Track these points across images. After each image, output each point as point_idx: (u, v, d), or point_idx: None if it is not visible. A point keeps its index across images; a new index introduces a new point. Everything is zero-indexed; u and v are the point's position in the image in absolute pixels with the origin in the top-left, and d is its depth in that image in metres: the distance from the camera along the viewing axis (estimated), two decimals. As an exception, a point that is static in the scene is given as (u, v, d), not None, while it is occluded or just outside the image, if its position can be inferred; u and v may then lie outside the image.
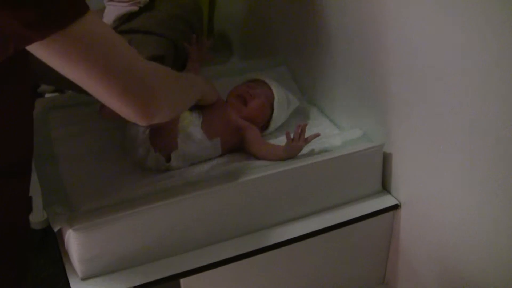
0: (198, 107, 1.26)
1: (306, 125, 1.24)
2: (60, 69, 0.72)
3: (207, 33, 2.15)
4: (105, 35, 0.73)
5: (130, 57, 0.78)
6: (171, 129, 1.19)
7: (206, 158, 1.25)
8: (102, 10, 1.80)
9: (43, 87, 1.74)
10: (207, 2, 2.10)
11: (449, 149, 1.09)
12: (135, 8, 1.74)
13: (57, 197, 1.10)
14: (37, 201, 1.78)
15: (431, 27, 1.05)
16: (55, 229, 1.03)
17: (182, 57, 1.82)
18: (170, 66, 1.70)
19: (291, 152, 1.22)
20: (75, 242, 1.03)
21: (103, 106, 1.14)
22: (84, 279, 1.07)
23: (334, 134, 1.35)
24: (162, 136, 1.18)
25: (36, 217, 1.81)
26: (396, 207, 1.27)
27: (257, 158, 1.25)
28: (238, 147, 1.30)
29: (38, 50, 0.68)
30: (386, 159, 1.28)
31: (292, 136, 1.22)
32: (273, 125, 1.37)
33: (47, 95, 1.73)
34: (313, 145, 1.26)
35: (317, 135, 1.25)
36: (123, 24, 1.74)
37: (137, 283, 1.06)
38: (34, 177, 1.16)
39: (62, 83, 1.31)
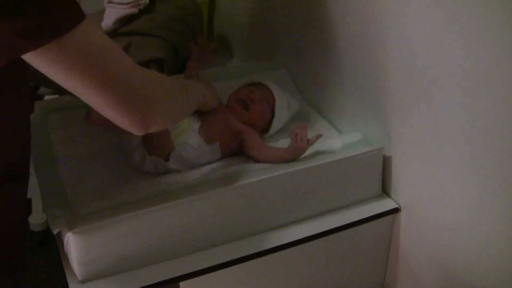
0: (197, 112, 1.25)
1: (306, 126, 1.24)
2: (54, 78, 0.71)
3: (207, 35, 2.15)
4: (101, 44, 0.72)
5: (127, 66, 0.77)
6: (163, 133, 1.17)
7: (205, 162, 1.25)
8: (102, 12, 1.80)
9: (43, 89, 1.74)
10: (207, 4, 2.09)
11: (449, 152, 1.09)
12: (135, 10, 1.74)
13: (56, 200, 1.09)
14: (37, 203, 1.78)
15: (431, 29, 1.05)
16: (55, 232, 1.03)
17: (182, 59, 1.82)
18: (170, 68, 1.70)
19: (294, 154, 1.22)
20: (74, 245, 1.02)
21: (89, 113, 1.14)
22: (83, 281, 1.06)
23: (334, 137, 1.35)
24: (155, 141, 1.17)
25: (36, 219, 1.81)
26: (396, 210, 1.27)
27: (257, 161, 1.25)
28: (238, 151, 1.29)
29: (33, 59, 0.67)
30: (386, 162, 1.28)
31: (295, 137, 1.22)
32: (273, 128, 1.37)
33: (46, 97, 1.72)
34: (313, 148, 1.26)
35: (320, 135, 1.25)
36: (123, 26, 1.75)
37: (137, 286, 1.06)
38: (33, 179, 1.16)
39: (61, 86, 1.31)
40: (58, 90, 1.74)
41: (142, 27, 1.73)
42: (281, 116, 1.37)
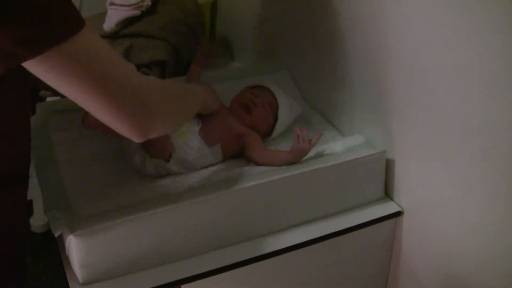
0: (197, 114, 1.25)
1: (307, 128, 1.24)
2: (54, 85, 0.71)
3: (209, 37, 2.15)
4: (100, 51, 0.72)
5: (126, 73, 0.76)
6: (162, 136, 1.17)
7: (207, 164, 1.24)
8: (103, 14, 1.80)
9: (44, 91, 1.74)
10: (209, 7, 2.09)
11: (453, 155, 1.08)
12: (137, 12, 1.74)
13: (57, 202, 1.09)
14: (38, 205, 1.77)
15: (434, 31, 1.04)
16: (56, 234, 1.03)
17: (184, 61, 1.81)
18: (172, 70, 1.70)
19: (297, 155, 1.22)
20: (75, 248, 1.02)
21: (85, 117, 1.14)
22: (85, 284, 1.06)
23: (336, 140, 1.35)
24: (154, 144, 1.17)
25: (37, 221, 1.81)
26: (398, 214, 1.27)
27: (259, 165, 1.24)
28: (239, 154, 1.29)
29: (32, 66, 0.67)
30: (388, 166, 1.28)
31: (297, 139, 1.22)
32: (276, 132, 1.37)
33: (48, 99, 1.72)
34: (316, 151, 1.25)
35: (321, 134, 1.25)
36: (125, 28, 1.75)
37: (138, 289, 1.06)
38: (34, 181, 1.16)
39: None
40: (59, 92, 1.74)
41: (144, 29, 1.73)
42: (284, 120, 1.37)
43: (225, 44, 2.08)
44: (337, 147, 1.29)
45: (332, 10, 1.35)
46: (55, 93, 1.76)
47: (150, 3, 1.74)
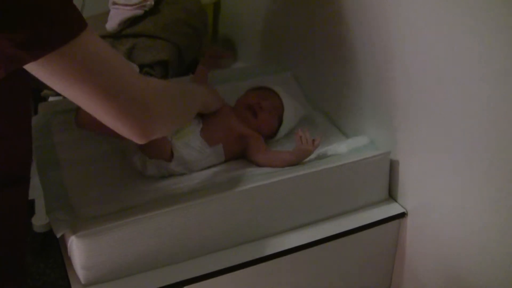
0: (199, 113, 1.24)
1: (307, 129, 1.23)
2: (56, 88, 0.70)
3: (212, 37, 2.15)
4: (101, 53, 0.72)
5: (128, 75, 0.76)
6: (160, 138, 1.16)
7: (209, 165, 1.24)
8: (106, 13, 1.80)
9: (46, 91, 1.73)
10: (212, 6, 2.09)
11: (457, 157, 1.08)
12: (140, 12, 1.74)
13: (59, 203, 1.09)
14: (40, 204, 1.77)
15: (439, 33, 1.04)
16: (58, 235, 1.02)
17: (187, 61, 1.81)
18: (175, 70, 1.70)
19: (300, 156, 1.22)
20: (78, 249, 1.02)
21: (77, 117, 1.13)
22: (87, 285, 1.06)
23: (340, 141, 1.34)
24: (152, 145, 1.16)
25: (39, 220, 1.80)
26: (402, 215, 1.26)
27: (260, 166, 1.24)
28: (242, 154, 1.29)
29: (34, 69, 0.67)
30: (392, 167, 1.27)
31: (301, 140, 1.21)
32: (279, 135, 1.37)
33: (50, 99, 1.72)
34: (319, 152, 1.25)
35: (321, 135, 1.24)
36: (128, 28, 1.74)
37: (141, 291, 1.06)
38: (36, 181, 1.15)
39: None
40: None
41: (147, 29, 1.73)
42: (288, 123, 1.36)
43: (228, 44, 2.07)
44: (341, 148, 1.29)
45: (337, 12, 1.34)
46: (57, 92, 1.76)
47: (153, 3, 1.73)
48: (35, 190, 1.14)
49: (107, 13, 1.80)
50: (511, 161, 0.96)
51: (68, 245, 1.04)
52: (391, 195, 1.31)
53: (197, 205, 1.08)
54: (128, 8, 1.74)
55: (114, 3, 1.77)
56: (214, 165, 1.25)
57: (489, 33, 0.93)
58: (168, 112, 0.88)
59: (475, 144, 1.02)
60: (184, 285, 1.09)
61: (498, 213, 1.01)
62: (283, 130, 1.36)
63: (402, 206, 1.28)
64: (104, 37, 1.73)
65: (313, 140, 1.22)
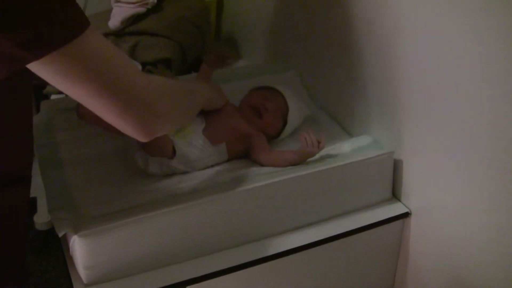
0: (201, 112, 1.24)
1: (312, 131, 1.23)
2: (59, 87, 0.70)
3: (215, 36, 2.14)
4: (104, 52, 0.71)
5: (130, 74, 0.76)
6: (160, 137, 1.15)
7: (212, 163, 1.23)
8: (109, 11, 1.79)
9: (49, 88, 1.73)
10: (215, 4, 2.09)
11: (462, 157, 1.07)
12: (142, 9, 1.73)
13: (62, 202, 1.09)
14: (42, 202, 1.77)
15: (445, 34, 1.03)
16: (60, 234, 1.02)
17: (189, 59, 1.81)
18: (177, 68, 1.69)
19: (303, 157, 1.21)
20: (80, 248, 1.02)
21: (79, 109, 1.13)
22: (89, 285, 1.05)
23: (343, 141, 1.34)
24: (153, 143, 1.16)
25: (41, 218, 1.80)
26: (406, 215, 1.26)
27: (263, 166, 1.23)
28: (245, 154, 1.28)
29: (37, 69, 0.67)
30: (396, 167, 1.27)
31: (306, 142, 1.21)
32: (283, 135, 1.36)
33: (53, 96, 1.71)
34: (323, 151, 1.24)
35: (324, 135, 1.24)
36: (130, 25, 1.74)
37: (143, 290, 1.05)
38: (39, 178, 1.15)
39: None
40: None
41: (149, 27, 1.72)
42: (292, 124, 1.36)
43: (231, 42, 2.07)
44: (345, 147, 1.28)
45: (341, 10, 1.34)
46: (60, 90, 1.76)
47: (155, 1, 1.73)
48: (37, 188, 1.13)
49: (109, 11, 1.79)
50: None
51: (70, 244, 1.03)
52: (395, 195, 1.30)
53: (199, 205, 1.08)
54: (131, 6, 1.74)
55: (117, 1, 1.76)
56: (216, 164, 1.24)
57: (491, 34, 0.93)
58: (171, 110, 0.87)
59: (479, 144, 1.02)
60: (186, 285, 1.09)
61: (502, 214, 1.01)
62: (287, 130, 1.36)
63: (405, 206, 1.27)
64: (106, 35, 1.73)
65: (318, 142, 1.22)
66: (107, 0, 1.82)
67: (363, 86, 1.33)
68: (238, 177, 1.16)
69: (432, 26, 1.06)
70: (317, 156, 1.23)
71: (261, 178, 1.15)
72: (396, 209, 1.27)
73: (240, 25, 2.02)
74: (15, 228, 0.85)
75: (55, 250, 1.83)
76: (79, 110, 1.16)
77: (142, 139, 0.82)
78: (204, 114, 1.26)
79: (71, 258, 1.09)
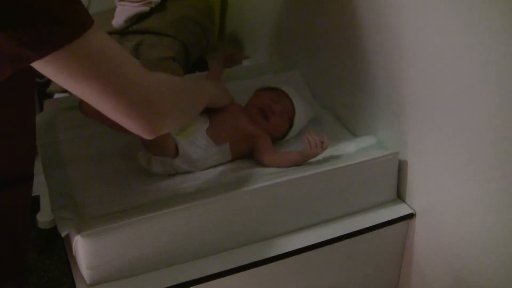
0: (206, 111, 1.23)
1: (313, 132, 1.22)
2: (64, 85, 0.70)
3: (218, 35, 2.14)
4: (108, 49, 0.71)
5: (134, 72, 0.76)
6: (163, 136, 1.15)
7: (215, 163, 1.23)
8: (113, 10, 1.79)
9: (52, 87, 1.73)
10: (219, 4, 2.08)
11: (466, 158, 1.07)
12: (146, 8, 1.73)
13: (64, 202, 1.08)
14: (45, 200, 1.77)
15: (450, 33, 1.03)
16: (63, 234, 1.02)
17: (193, 59, 1.81)
18: (181, 67, 1.69)
19: (307, 157, 1.21)
20: (83, 248, 1.01)
21: (82, 104, 1.13)
22: (92, 285, 1.05)
23: (347, 141, 1.33)
24: (156, 142, 1.15)
25: (44, 217, 1.80)
26: (411, 216, 1.25)
27: (266, 167, 1.23)
28: (249, 154, 1.28)
29: (41, 67, 0.67)
30: (401, 167, 1.26)
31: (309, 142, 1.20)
32: (288, 137, 1.36)
33: (56, 95, 1.71)
34: (327, 151, 1.24)
35: (327, 135, 1.23)
36: (134, 24, 1.74)
37: (146, 291, 1.05)
38: (42, 177, 1.15)
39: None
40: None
41: (153, 26, 1.72)
42: (298, 126, 1.35)
43: (235, 41, 2.06)
44: (349, 147, 1.28)
45: (346, 9, 1.34)
46: (63, 89, 1.76)
47: (159, 0, 1.73)
48: (41, 187, 1.13)
49: (113, 9, 1.79)
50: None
51: (73, 244, 1.03)
52: (399, 196, 1.30)
53: (202, 205, 1.08)
54: (135, 4, 1.74)
55: (121, 0, 1.76)
56: (220, 164, 1.24)
57: (499, 34, 0.92)
58: (175, 108, 0.87)
59: (484, 145, 1.01)
60: (190, 286, 1.08)
61: (508, 215, 1.00)
62: (293, 132, 1.35)
63: (410, 207, 1.27)
64: (110, 33, 1.73)
65: (321, 143, 1.21)
66: (111, -1, 1.82)
67: (367, 86, 1.32)
68: (242, 177, 1.16)
69: (439, 26, 1.05)
70: (321, 157, 1.23)
71: (265, 178, 1.15)
72: (400, 210, 1.26)
73: (244, 24, 2.02)
74: (16, 228, 0.85)
75: (58, 249, 1.83)
76: (82, 106, 1.16)
77: (147, 136, 0.82)
78: (208, 113, 1.26)
79: (74, 258, 1.09)
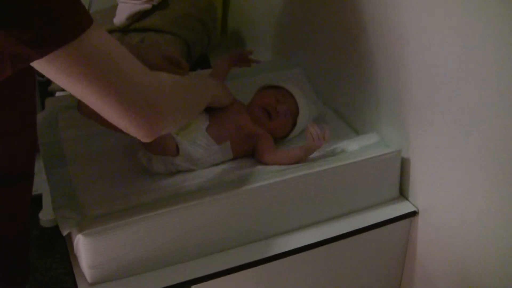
0: (206, 109, 1.23)
1: (314, 124, 1.22)
2: (63, 85, 0.70)
3: (221, 33, 2.13)
4: (108, 49, 0.71)
5: (135, 72, 0.75)
6: (163, 136, 1.14)
7: (217, 161, 1.23)
8: (115, 7, 1.79)
9: (54, 85, 1.73)
10: (221, 1, 2.08)
11: (470, 155, 1.06)
12: (148, 6, 1.73)
13: (66, 201, 1.08)
14: (48, 199, 1.77)
15: (453, 30, 1.02)
16: (64, 233, 1.01)
17: (195, 57, 1.80)
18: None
19: (309, 151, 1.21)
20: (84, 247, 1.01)
21: (80, 104, 1.12)
22: (93, 284, 1.05)
23: (350, 138, 1.33)
24: (155, 142, 1.15)
25: (46, 215, 1.80)
26: (413, 214, 1.25)
27: (267, 165, 1.22)
28: (250, 152, 1.27)
29: (41, 66, 0.66)
30: (404, 165, 1.26)
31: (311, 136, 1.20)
32: (291, 136, 1.35)
33: (57, 94, 1.71)
34: (329, 149, 1.23)
35: (329, 131, 1.22)
36: (136, 22, 1.73)
37: (148, 290, 1.05)
38: (44, 176, 1.14)
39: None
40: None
41: (155, 23, 1.72)
42: (301, 125, 1.35)
43: (237, 39, 2.06)
44: (351, 145, 1.27)
45: (349, 6, 1.33)
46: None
47: (161, -3, 1.72)
48: (43, 185, 1.13)
49: (115, 7, 1.79)
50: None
51: (75, 243, 1.03)
52: (402, 194, 1.29)
53: (204, 204, 1.07)
54: (137, 2, 1.73)
55: (123, -3, 1.76)
56: (222, 162, 1.24)
57: (504, 33, 0.91)
58: (176, 109, 0.87)
59: (488, 143, 1.01)
60: (191, 285, 1.08)
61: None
62: (296, 132, 1.35)
63: (413, 205, 1.26)
64: (112, 31, 1.73)
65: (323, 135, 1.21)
66: (112, -3, 1.82)
67: (370, 83, 1.32)
68: (243, 176, 1.15)
69: (443, 24, 1.04)
70: (323, 155, 1.22)
71: (267, 176, 1.14)
72: (403, 208, 1.26)
73: (246, 22, 2.01)
74: (17, 227, 0.85)
75: (60, 247, 1.84)
76: (80, 106, 1.15)
77: (145, 139, 0.81)
78: (209, 111, 1.25)
79: (75, 256, 1.09)
